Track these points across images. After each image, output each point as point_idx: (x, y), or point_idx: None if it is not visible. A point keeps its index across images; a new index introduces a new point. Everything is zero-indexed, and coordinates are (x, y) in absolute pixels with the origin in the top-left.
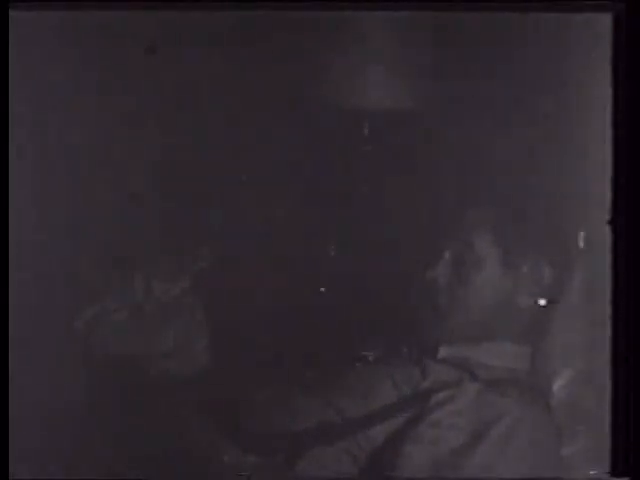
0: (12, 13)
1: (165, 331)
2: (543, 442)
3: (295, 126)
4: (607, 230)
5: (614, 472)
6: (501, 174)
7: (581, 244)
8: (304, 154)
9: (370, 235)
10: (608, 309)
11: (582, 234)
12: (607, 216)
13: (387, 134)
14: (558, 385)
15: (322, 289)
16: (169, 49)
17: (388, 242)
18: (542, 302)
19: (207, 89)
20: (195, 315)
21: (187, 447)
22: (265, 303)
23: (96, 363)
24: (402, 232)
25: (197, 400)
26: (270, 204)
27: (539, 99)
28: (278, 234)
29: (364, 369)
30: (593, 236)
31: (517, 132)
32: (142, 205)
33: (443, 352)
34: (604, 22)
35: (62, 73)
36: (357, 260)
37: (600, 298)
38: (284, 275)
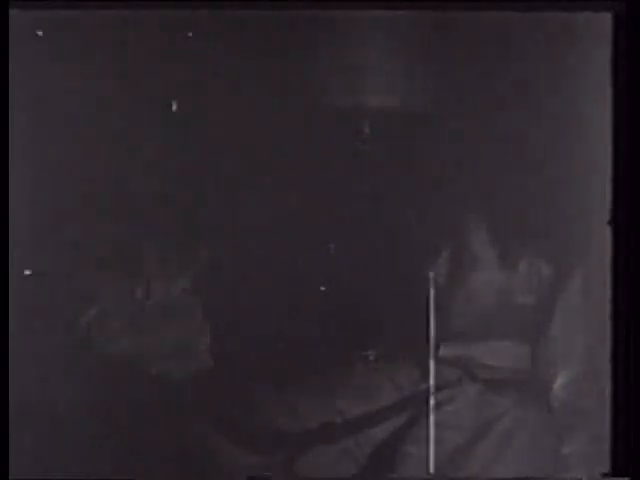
0: (12, 13)
1: (165, 331)
2: (543, 442)
3: (295, 126)
4: (607, 230)
5: (614, 472)
6: (501, 174)
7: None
8: (304, 154)
9: (370, 235)
10: (608, 309)
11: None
12: (607, 216)
13: (387, 134)
14: (558, 385)
15: (322, 288)
16: (169, 49)
17: (388, 242)
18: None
19: (207, 89)
20: (195, 315)
21: (187, 447)
22: (265, 303)
23: (96, 363)
24: (402, 232)
25: (197, 400)
26: (270, 204)
27: (539, 99)
28: (278, 234)
29: (364, 369)
30: (593, 236)
31: (517, 132)
32: (142, 205)
33: (443, 352)
34: (604, 22)
35: (62, 73)
36: (357, 260)
37: (600, 298)
38: (284, 274)
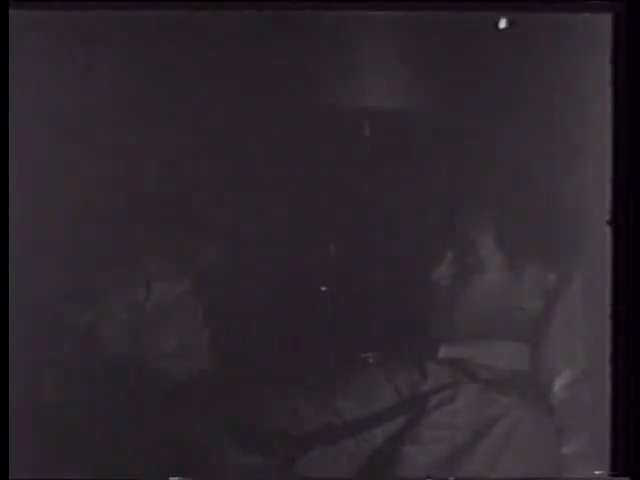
0: (12, 13)
1: (165, 331)
2: (543, 442)
3: (295, 126)
4: (607, 230)
5: (614, 472)
6: (501, 175)
7: None
8: (304, 154)
9: (371, 235)
10: (608, 309)
11: None
12: (607, 216)
13: (387, 134)
14: (558, 385)
15: (322, 288)
16: (169, 49)
17: (388, 243)
18: None
19: (208, 90)
20: (195, 315)
21: (187, 447)
22: (265, 303)
23: (97, 363)
24: (403, 233)
25: (197, 400)
26: (270, 204)
27: (539, 99)
28: (278, 234)
29: (364, 371)
30: (593, 236)
31: (517, 132)
32: (142, 205)
33: (443, 353)
34: (604, 22)
35: (62, 72)
36: (358, 260)
37: (600, 298)
38: (284, 275)
